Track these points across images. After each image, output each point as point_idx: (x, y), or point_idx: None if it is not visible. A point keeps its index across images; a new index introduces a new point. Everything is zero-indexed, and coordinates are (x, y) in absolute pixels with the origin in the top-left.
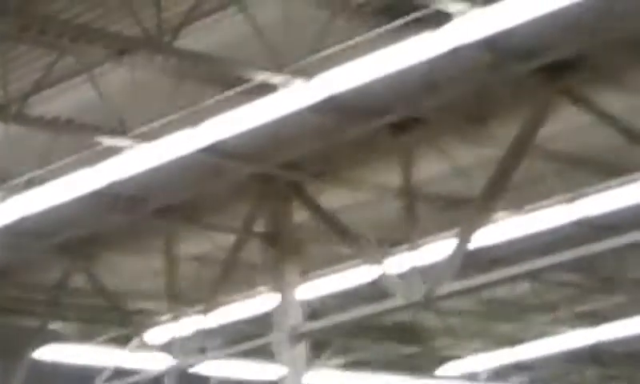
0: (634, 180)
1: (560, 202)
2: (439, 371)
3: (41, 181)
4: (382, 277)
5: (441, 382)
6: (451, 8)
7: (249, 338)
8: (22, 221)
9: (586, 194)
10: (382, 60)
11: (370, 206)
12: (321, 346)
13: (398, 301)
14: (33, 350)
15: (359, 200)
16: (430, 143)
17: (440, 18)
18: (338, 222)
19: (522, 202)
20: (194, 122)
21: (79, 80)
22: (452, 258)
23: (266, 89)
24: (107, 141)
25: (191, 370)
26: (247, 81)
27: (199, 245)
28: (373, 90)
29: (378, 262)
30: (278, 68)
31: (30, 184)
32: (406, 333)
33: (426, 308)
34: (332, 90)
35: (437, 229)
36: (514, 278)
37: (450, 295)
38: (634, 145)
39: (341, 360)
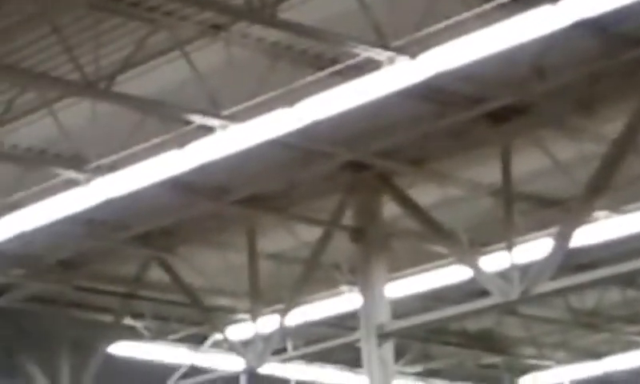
0: None
1: None
2: (521, 382)
3: (125, 163)
4: (479, 274)
5: None
6: None
7: (330, 339)
8: (101, 208)
9: None
10: (489, 38)
11: (463, 202)
12: (398, 353)
13: (494, 299)
14: (106, 345)
15: (452, 195)
16: (530, 135)
17: None
18: (429, 217)
19: (620, 201)
20: (287, 102)
21: (172, 56)
22: (550, 256)
23: (363, 70)
24: (198, 120)
25: (269, 372)
26: (344, 60)
27: (282, 240)
28: (476, 74)
29: (472, 260)
30: (383, 45)
31: (114, 167)
32: (488, 341)
33: (524, 304)
34: (435, 70)
35: (530, 227)
36: (614, 279)
37: (547, 294)
38: None
39: (419, 368)
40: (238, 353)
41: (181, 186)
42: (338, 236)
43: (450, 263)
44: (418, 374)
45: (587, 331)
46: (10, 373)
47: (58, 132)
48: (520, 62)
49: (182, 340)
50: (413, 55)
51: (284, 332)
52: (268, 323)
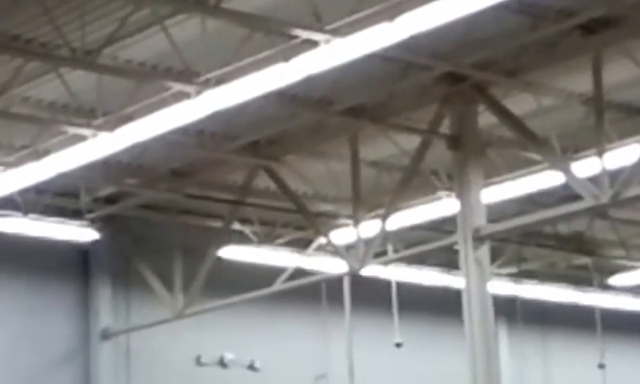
0: None
1: None
2: (610, 282)
3: (233, 77)
4: (571, 179)
5: (611, 294)
6: None
7: (429, 242)
8: (210, 119)
9: None
10: None
11: (556, 111)
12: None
13: (586, 203)
14: (216, 249)
15: (545, 104)
16: (620, 46)
17: None
18: (523, 125)
19: None
20: (388, 17)
21: None
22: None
23: None
24: (303, 34)
25: (370, 274)
26: None
27: (382, 148)
28: None
29: (564, 166)
30: None
31: (223, 80)
32: (579, 243)
33: (614, 207)
34: None
35: (620, 134)
36: None
37: (636, 198)
38: None
39: (513, 269)
40: (341, 256)
41: (286, 97)
42: (435, 144)
43: (543, 169)
44: (512, 275)
45: None
46: (126, 278)
47: (169, 47)
48: None
49: (287, 244)
50: None
51: (385, 236)
52: (369, 227)
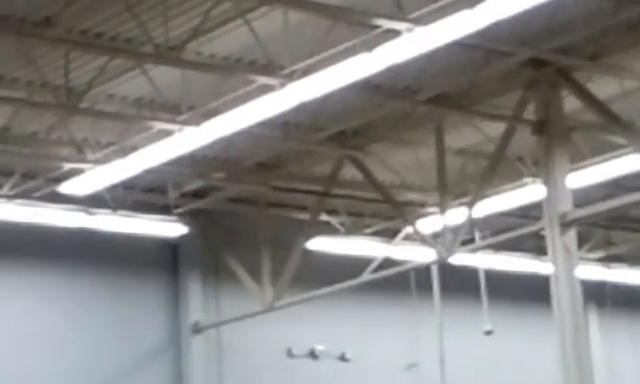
0: None
1: None
2: None
3: (317, 68)
4: None
5: None
6: None
7: (516, 229)
8: (295, 111)
9: None
10: None
11: (639, 94)
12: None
13: None
14: (304, 241)
15: (628, 87)
16: None
17: None
18: (608, 109)
19: None
20: (469, 4)
21: None
22: None
23: None
24: (386, 24)
25: (459, 262)
26: None
27: (467, 136)
28: None
29: None
30: None
31: (307, 71)
32: None
33: None
34: None
35: None
36: None
37: None
38: None
39: (600, 253)
40: (429, 244)
41: (370, 87)
42: (520, 130)
43: (629, 152)
44: (600, 260)
45: None
46: (216, 271)
47: (252, 40)
48: None
49: (375, 234)
50: None
51: (472, 223)
52: (456, 215)
